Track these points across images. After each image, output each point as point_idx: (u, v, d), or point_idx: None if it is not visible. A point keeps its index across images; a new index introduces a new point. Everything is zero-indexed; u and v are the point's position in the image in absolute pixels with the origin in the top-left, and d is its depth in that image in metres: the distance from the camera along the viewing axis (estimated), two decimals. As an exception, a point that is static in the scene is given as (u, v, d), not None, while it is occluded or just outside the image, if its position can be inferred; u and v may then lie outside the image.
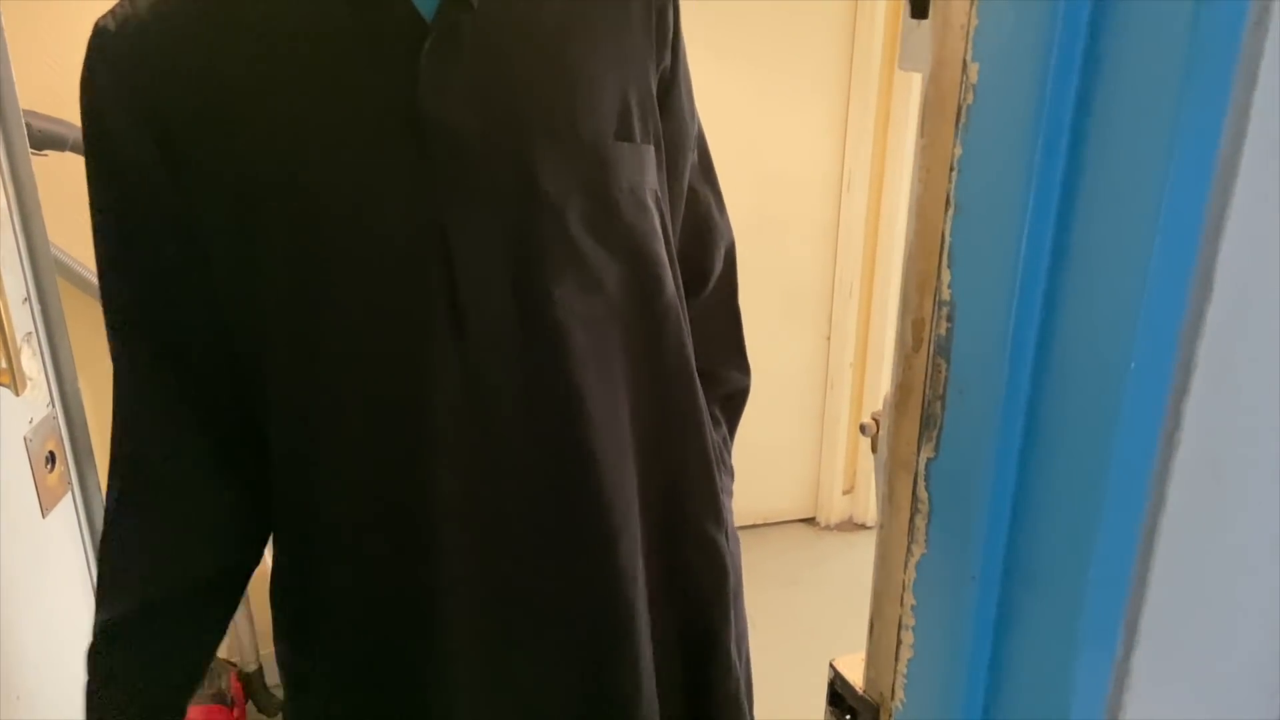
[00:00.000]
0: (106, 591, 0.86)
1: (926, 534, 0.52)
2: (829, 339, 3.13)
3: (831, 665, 0.65)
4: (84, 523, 0.98)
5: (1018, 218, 0.43)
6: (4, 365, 0.83)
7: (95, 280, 1.88)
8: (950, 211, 0.47)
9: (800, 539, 3.17)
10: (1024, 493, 0.48)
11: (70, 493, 0.95)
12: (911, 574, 0.54)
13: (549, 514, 0.85)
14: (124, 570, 0.86)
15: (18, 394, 0.82)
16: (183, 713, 0.90)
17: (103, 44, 0.77)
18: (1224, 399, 0.43)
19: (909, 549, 0.54)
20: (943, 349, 0.49)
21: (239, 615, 2.02)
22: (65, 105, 1.73)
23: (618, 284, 0.85)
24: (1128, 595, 0.46)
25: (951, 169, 0.46)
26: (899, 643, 0.56)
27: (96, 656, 0.86)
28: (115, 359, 0.85)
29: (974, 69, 0.44)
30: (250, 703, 2.05)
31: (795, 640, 2.53)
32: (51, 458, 0.92)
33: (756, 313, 2.97)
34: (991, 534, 0.48)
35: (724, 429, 1.06)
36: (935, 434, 0.50)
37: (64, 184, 1.66)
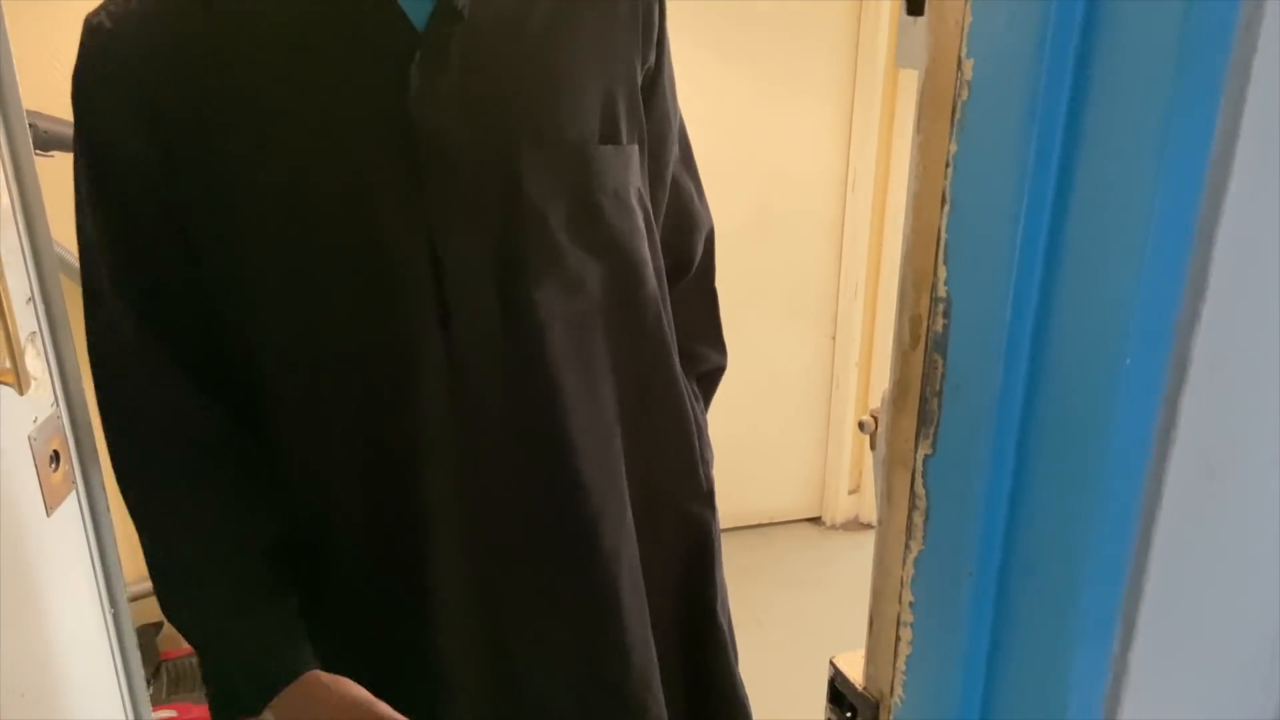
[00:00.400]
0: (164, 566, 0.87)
1: (924, 530, 0.53)
2: (834, 338, 3.13)
3: (832, 662, 0.65)
4: (88, 521, 0.98)
5: (1013, 214, 0.43)
6: (8, 365, 0.83)
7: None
8: (946, 208, 0.47)
9: (806, 538, 3.17)
10: (1020, 489, 0.48)
11: (75, 491, 0.96)
12: (910, 570, 0.54)
13: (533, 500, 0.88)
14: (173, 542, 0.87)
15: (22, 393, 0.83)
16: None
17: (96, 39, 0.78)
18: (1219, 395, 0.43)
19: (907, 545, 0.54)
20: (939, 345, 0.49)
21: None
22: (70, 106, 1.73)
23: (599, 283, 0.88)
24: (1124, 591, 0.46)
25: (947, 165, 0.46)
26: (898, 639, 0.56)
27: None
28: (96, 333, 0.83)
29: (969, 65, 0.44)
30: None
31: (800, 639, 2.53)
32: (56, 456, 0.93)
33: (761, 312, 2.99)
34: (988, 530, 0.48)
35: (700, 403, 1.09)
36: (932, 431, 0.50)
37: (68, 184, 1.66)
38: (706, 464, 1.05)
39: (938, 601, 0.53)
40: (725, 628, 1.09)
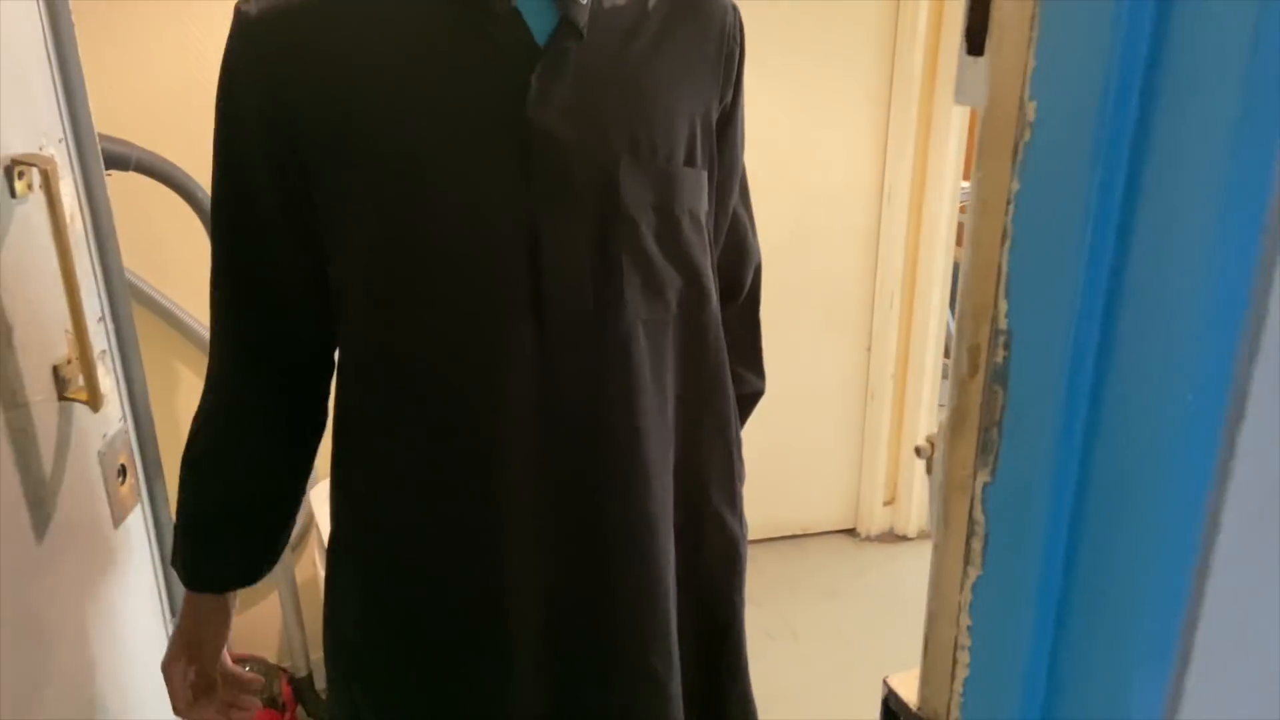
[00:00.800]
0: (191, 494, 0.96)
1: (983, 556, 0.54)
2: (869, 350, 3.13)
3: (885, 682, 0.66)
4: (153, 533, 1.01)
5: (1075, 252, 0.44)
6: (81, 383, 0.86)
7: (162, 300, 1.92)
8: (1007, 244, 0.48)
9: (840, 550, 3.17)
10: (1080, 517, 0.49)
11: (140, 504, 0.98)
12: (968, 595, 0.55)
13: (601, 490, 0.94)
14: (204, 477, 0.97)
15: (95, 410, 0.85)
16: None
17: (241, 24, 0.88)
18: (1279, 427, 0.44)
19: (965, 570, 0.55)
20: (999, 377, 0.50)
21: (290, 622, 2.06)
22: (129, 127, 1.78)
23: (675, 294, 0.96)
24: (1183, 619, 0.47)
25: (1008, 203, 0.47)
26: (955, 662, 0.57)
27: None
28: (213, 291, 0.98)
29: (1031, 107, 0.45)
30: (301, 707, 2.09)
31: (835, 652, 2.52)
32: (123, 470, 0.95)
33: (797, 323, 3.00)
34: (1048, 557, 0.50)
35: (736, 424, 1.14)
36: (992, 459, 0.51)
37: (127, 203, 1.71)
38: (739, 479, 1.11)
39: (996, 626, 0.54)
40: (744, 643, 1.14)
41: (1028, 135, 0.45)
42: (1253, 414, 0.44)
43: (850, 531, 3.27)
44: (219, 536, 0.98)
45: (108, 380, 0.93)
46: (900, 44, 2.83)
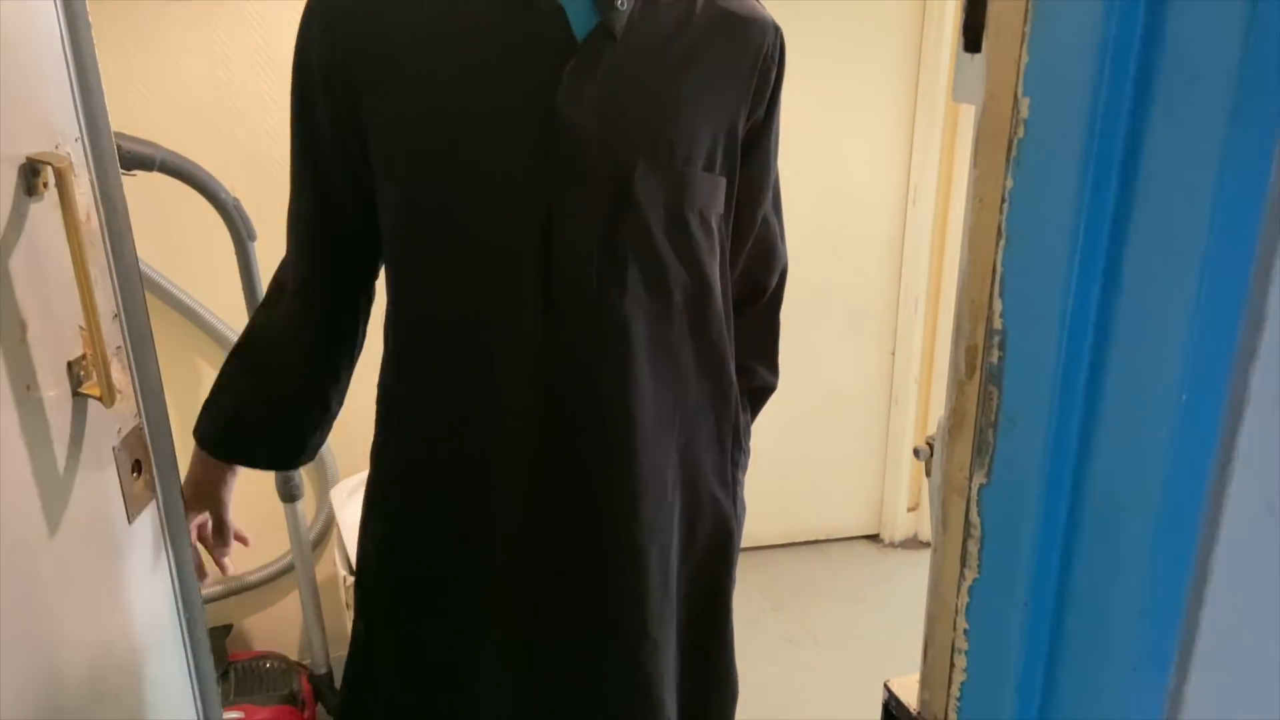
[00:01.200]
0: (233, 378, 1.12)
1: (979, 558, 0.53)
2: (893, 354, 3.10)
3: (886, 686, 0.65)
4: (165, 529, 1.02)
5: (1068, 250, 0.43)
6: (95, 379, 0.87)
7: (179, 294, 1.95)
8: (1002, 242, 0.47)
9: (864, 556, 3.15)
10: (1076, 520, 0.48)
11: (155, 500, 0.99)
12: (964, 598, 0.54)
13: (593, 456, 1.02)
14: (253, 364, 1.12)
15: (109, 406, 0.86)
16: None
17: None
18: (1278, 430, 0.43)
19: (962, 573, 0.54)
20: (994, 377, 0.49)
21: (310, 620, 2.08)
22: (154, 128, 1.80)
23: (680, 288, 1.03)
24: (1181, 624, 0.46)
25: (1003, 201, 0.47)
26: (952, 666, 0.57)
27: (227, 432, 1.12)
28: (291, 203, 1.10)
29: (1025, 104, 0.44)
30: (320, 705, 2.10)
31: (857, 658, 2.50)
32: (138, 466, 0.96)
33: (820, 327, 2.98)
34: (1043, 560, 0.49)
35: (748, 415, 1.23)
36: (987, 460, 0.51)
37: (151, 203, 1.73)
38: (739, 466, 1.19)
39: (992, 629, 0.53)
40: (730, 621, 1.23)
41: (1021, 132, 0.45)
42: (1251, 415, 0.43)
43: (874, 537, 3.25)
44: (255, 413, 1.11)
45: (122, 376, 0.94)
46: (926, 45, 2.82)
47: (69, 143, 0.87)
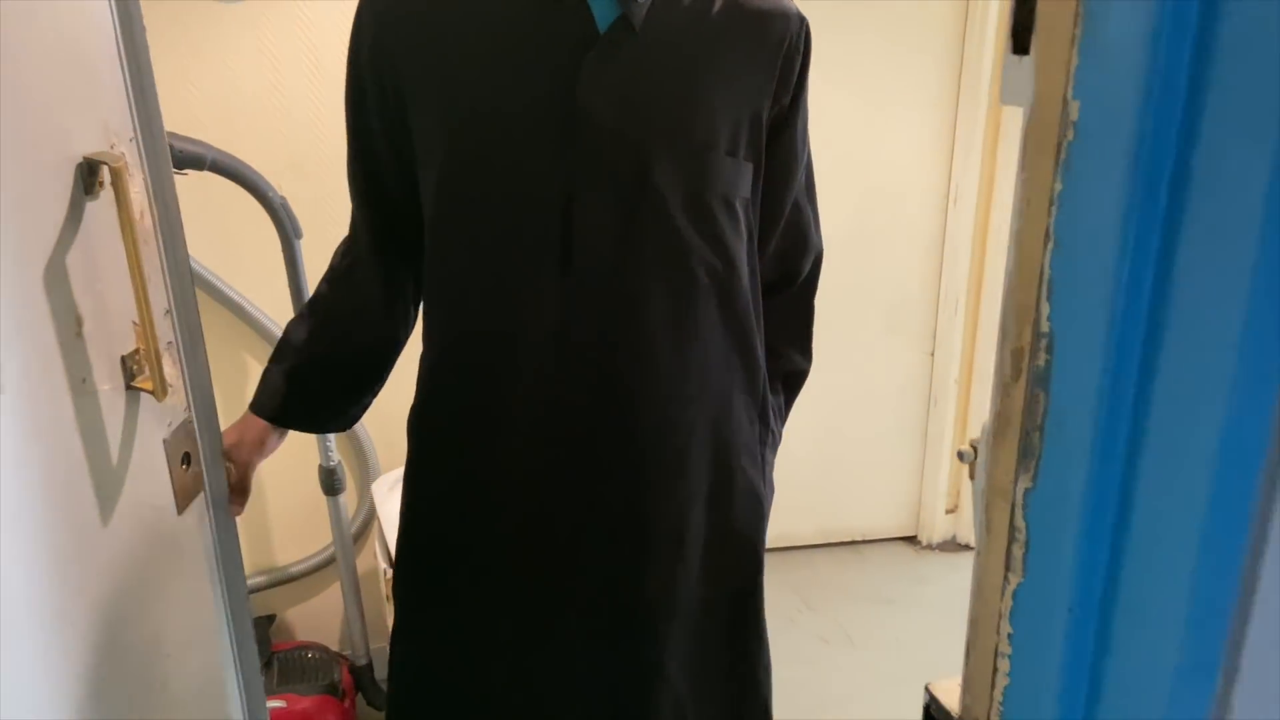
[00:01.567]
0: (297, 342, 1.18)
1: (1024, 563, 0.53)
2: (933, 355, 3.08)
3: (927, 689, 0.65)
4: (212, 518, 1.04)
5: (1117, 254, 0.43)
6: (148, 373, 0.89)
7: (227, 291, 1.99)
8: (1050, 245, 0.47)
9: (901, 558, 3.13)
10: (1123, 525, 0.48)
11: (204, 492, 1.01)
12: (1008, 602, 0.54)
13: (615, 435, 1.08)
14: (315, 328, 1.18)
15: (160, 400, 0.88)
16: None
17: None
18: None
19: (1006, 577, 0.54)
20: (1041, 380, 0.49)
21: (351, 611, 2.10)
22: (206, 128, 1.84)
23: (704, 269, 1.07)
24: (1229, 630, 0.46)
25: (1051, 204, 0.46)
26: (995, 670, 0.57)
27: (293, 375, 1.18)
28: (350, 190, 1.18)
29: (1074, 107, 0.44)
30: (360, 695, 2.13)
31: (893, 660, 2.49)
32: (187, 458, 0.98)
33: (859, 326, 2.97)
34: (1089, 566, 0.49)
35: (782, 398, 1.27)
36: (1033, 464, 0.50)
37: (203, 201, 1.76)
38: (764, 445, 1.22)
39: (1037, 634, 0.53)
40: (762, 595, 1.26)
41: (1071, 135, 0.45)
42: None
43: (911, 539, 3.22)
44: (312, 372, 1.17)
45: (173, 371, 0.96)
46: (969, 44, 2.79)
47: (124, 143, 0.89)
